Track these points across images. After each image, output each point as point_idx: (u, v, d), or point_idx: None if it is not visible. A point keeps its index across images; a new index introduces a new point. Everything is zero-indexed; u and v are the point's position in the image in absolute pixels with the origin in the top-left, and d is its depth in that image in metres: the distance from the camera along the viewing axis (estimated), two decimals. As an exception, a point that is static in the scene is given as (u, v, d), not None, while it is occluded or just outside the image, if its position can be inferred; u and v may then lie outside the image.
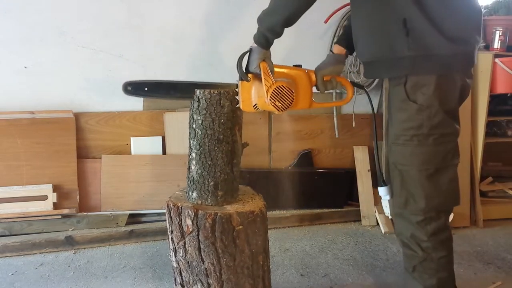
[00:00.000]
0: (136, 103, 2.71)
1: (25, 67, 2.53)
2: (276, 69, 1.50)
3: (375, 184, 2.90)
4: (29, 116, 2.49)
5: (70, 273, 2.12)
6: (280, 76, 1.50)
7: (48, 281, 2.04)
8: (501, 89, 2.64)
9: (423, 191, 1.45)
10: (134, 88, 1.56)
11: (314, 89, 1.59)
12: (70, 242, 2.36)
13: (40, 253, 2.30)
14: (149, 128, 2.71)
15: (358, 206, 2.82)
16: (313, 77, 1.56)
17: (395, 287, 2.01)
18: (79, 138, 2.59)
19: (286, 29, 1.44)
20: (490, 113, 2.68)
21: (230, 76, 2.70)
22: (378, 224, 2.74)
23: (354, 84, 1.64)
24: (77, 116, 2.59)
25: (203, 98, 1.54)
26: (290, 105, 1.46)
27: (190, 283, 1.60)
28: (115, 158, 2.63)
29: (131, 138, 2.68)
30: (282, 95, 1.44)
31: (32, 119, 2.49)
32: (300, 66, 1.56)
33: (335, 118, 2.91)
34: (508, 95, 2.76)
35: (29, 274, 2.10)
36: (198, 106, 1.55)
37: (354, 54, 2.88)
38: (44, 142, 2.49)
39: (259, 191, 1.81)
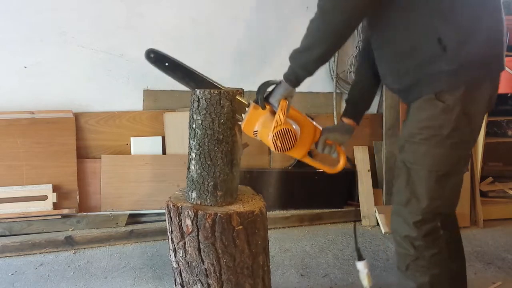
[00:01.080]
0: (136, 103, 2.72)
1: (25, 67, 2.53)
2: (290, 111, 1.51)
3: (375, 184, 2.92)
4: (29, 116, 2.49)
5: (70, 273, 2.12)
6: (292, 119, 1.52)
7: (48, 281, 2.04)
8: (501, 89, 2.58)
9: (428, 192, 1.44)
10: (156, 57, 1.56)
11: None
12: (70, 242, 2.36)
13: (40, 253, 2.30)
14: (149, 128, 2.71)
15: (358, 206, 2.82)
16: (318, 135, 1.58)
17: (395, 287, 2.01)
18: (79, 138, 2.59)
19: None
20: (490, 113, 2.67)
21: (230, 76, 2.73)
22: (378, 224, 2.74)
23: (348, 158, 1.66)
24: (77, 116, 2.59)
25: (203, 98, 1.53)
26: (287, 150, 1.49)
27: (190, 283, 1.60)
28: (115, 158, 2.63)
29: (131, 138, 2.68)
30: (286, 137, 1.47)
31: (32, 119, 2.49)
32: (312, 119, 1.59)
33: (335, 118, 2.91)
34: (509, 95, 2.76)
35: (29, 274, 2.10)
36: (198, 106, 1.55)
37: (354, 53, 2.88)
38: (44, 142, 2.49)
39: (259, 191, 1.81)
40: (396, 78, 1.47)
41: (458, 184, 1.48)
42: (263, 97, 1.50)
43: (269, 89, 1.51)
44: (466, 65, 1.33)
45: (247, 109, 1.55)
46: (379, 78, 1.64)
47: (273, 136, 1.46)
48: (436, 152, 1.40)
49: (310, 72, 1.43)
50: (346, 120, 1.68)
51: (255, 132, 1.54)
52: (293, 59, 1.43)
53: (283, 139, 1.47)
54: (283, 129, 1.46)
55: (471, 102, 1.37)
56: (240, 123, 1.55)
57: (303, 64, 1.41)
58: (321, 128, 1.60)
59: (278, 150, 1.49)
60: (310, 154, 1.62)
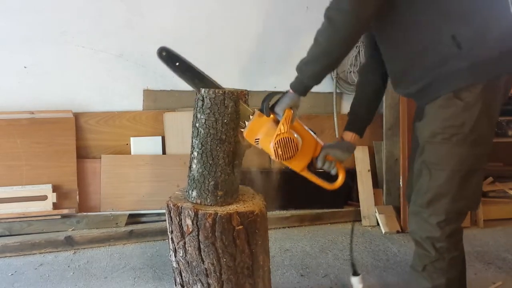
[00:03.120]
0: (136, 103, 2.72)
1: (25, 67, 2.53)
2: (295, 123, 1.53)
3: (375, 184, 2.91)
4: (28, 116, 2.49)
5: (69, 273, 2.12)
6: (295, 131, 1.52)
7: (47, 281, 2.04)
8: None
9: (452, 192, 1.43)
10: (168, 56, 1.56)
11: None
12: (69, 242, 2.35)
13: (40, 253, 2.30)
14: (149, 128, 2.71)
15: (358, 206, 2.82)
16: (319, 150, 1.58)
17: (396, 287, 2.00)
18: (79, 138, 2.59)
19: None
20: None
21: (229, 76, 2.73)
22: (378, 224, 2.74)
23: (347, 178, 1.66)
24: (77, 116, 2.59)
25: (207, 97, 1.53)
26: (287, 159, 1.50)
27: (190, 283, 1.60)
28: (115, 158, 2.63)
29: (131, 138, 2.68)
30: (287, 147, 1.48)
31: (32, 119, 2.48)
32: (315, 133, 1.59)
33: (335, 118, 2.91)
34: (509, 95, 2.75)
35: (28, 274, 2.10)
36: (202, 105, 1.54)
37: (354, 53, 2.88)
38: (44, 142, 2.49)
39: (259, 191, 1.81)
40: (410, 81, 1.47)
41: (480, 181, 1.48)
42: (268, 105, 1.51)
43: (274, 99, 1.53)
44: (482, 61, 1.33)
45: (251, 117, 1.55)
46: (384, 89, 1.66)
47: (275, 144, 1.47)
48: (458, 151, 1.40)
49: (318, 82, 1.45)
50: (348, 134, 1.67)
51: (257, 140, 1.54)
52: (301, 71, 1.45)
53: (284, 148, 1.48)
54: (285, 137, 1.47)
55: (490, 98, 1.38)
56: (242, 130, 1.55)
57: (311, 74, 1.43)
58: (322, 144, 1.60)
59: (278, 159, 1.50)
60: (310, 169, 1.62)
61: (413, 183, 1.56)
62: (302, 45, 2.98)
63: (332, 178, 1.65)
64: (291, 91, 1.48)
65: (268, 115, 1.51)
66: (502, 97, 1.45)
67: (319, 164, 1.59)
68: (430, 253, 1.50)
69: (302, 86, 1.46)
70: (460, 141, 1.39)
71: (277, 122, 1.50)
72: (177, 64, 1.57)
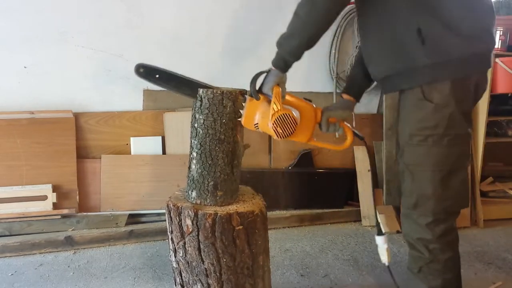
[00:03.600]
0: (136, 103, 2.72)
1: (25, 67, 2.53)
2: (287, 97, 1.51)
3: (375, 184, 2.91)
4: (28, 116, 2.49)
5: (69, 273, 2.12)
6: (289, 105, 1.51)
7: (47, 281, 2.04)
8: (501, 89, 2.64)
9: (435, 193, 1.44)
10: (146, 71, 1.56)
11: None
12: (69, 242, 2.35)
13: (40, 253, 2.30)
14: (148, 128, 2.71)
15: (358, 206, 2.82)
16: (319, 115, 1.57)
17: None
18: (79, 138, 2.59)
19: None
20: (490, 113, 2.68)
21: (229, 75, 2.73)
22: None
23: (355, 133, 1.63)
24: (77, 116, 2.59)
25: (206, 98, 1.53)
26: (290, 135, 1.48)
27: (190, 283, 1.60)
28: (115, 158, 2.63)
29: (131, 138, 2.68)
30: (286, 123, 1.46)
31: (32, 119, 2.48)
32: (310, 101, 1.57)
33: (335, 118, 2.91)
34: (509, 95, 2.76)
35: (28, 274, 2.10)
36: (201, 105, 1.54)
37: (354, 53, 2.87)
38: (44, 142, 2.49)
39: (259, 191, 1.81)
40: (378, 65, 1.48)
41: (464, 180, 1.48)
42: (255, 88, 1.49)
43: (261, 79, 1.50)
44: (447, 60, 1.33)
45: (243, 104, 1.54)
46: None
47: (273, 124, 1.45)
48: (435, 151, 1.41)
49: (298, 57, 1.43)
50: (345, 97, 1.67)
51: (256, 125, 1.53)
52: (281, 45, 1.43)
53: (283, 125, 1.46)
54: (281, 115, 1.45)
55: (460, 97, 1.38)
56: (240, 119, 1.54)
57: (291, 49, 1.41)
58: (321, 108, 1.58)
59: (280, 137, 1.48)
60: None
61: (401, 187, 1.56)
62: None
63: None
64: (273, 68, 1.47)
65: (258, 98, 1.50)
66: (474, 95, 1.44)
67: (323, 129, 1.58)
68: (423, 255, 1.50)
69: (282, 62, 1.44)
70: (436, 142, 1.40)
71: (269, 102, 1.48)
72: (157, 76, 1.56)
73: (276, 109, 1.44)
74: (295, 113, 1.49)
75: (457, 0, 1.33)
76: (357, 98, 1.68)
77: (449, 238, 1.50)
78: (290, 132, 1.47)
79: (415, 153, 1.45)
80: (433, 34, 1.31)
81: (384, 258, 1.71)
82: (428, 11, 1.31)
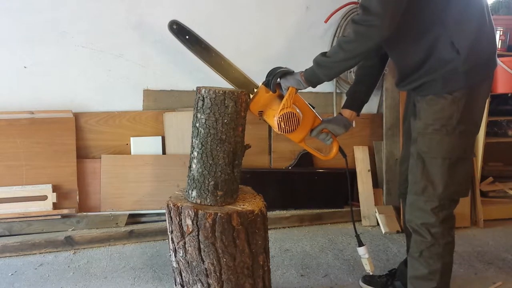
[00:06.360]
0: (136, 103, 2.71)
1: (25, 67, 2.53)
2: (297, 98, 1.62)
3: (376, 184, 2.91)
4: (28, 116, 2.49)
5: (69, 273, 2.12)
6: (297, 105, 1.63)
7: (47, 281, 2.04)
8: (501, 89, 2.64)
9: (443, 179, 1.56)
10: (178, 29, 1.69)
11: None
12: (69, 242, 2.35)
13: (40, 253, 2.30)
14: (148, 128, 2.71)
15: (358, 206, 2.82)
16: (317, 123, 1.71)
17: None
18: (79, 138, 2.59)
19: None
20: (490, 113, 2.68)
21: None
22: (378, 224, 2.73)
23: (340, 149, 1.79)
24: (77, 116, 2.59)
25: (208, 97, 1.53)
26: (289, 132, 1.62)
27: (190, 283, 1.60)
28: (115, 158, 2.63)
29: (131, 138, 2.67)
30: (290, 120, 1.59)
31: (32, 119, 2.48)
32: (313, 107, 1.70)
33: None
34: (509, 95, 2.76)
35: (28, 274, 2.09)
36: (203, 105, 1.55)
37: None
38: (44, 142, 2.49)
39: (259, 191, 1.81)
40: (414, 80, 1.58)
41: (468, 170, 1.63)
42: (276, 81, 1.60)
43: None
44: (474, 66, 1.50)
45: (255, 89, 1.64)
46: (382, 70, 1.81)
47: (279, 117, 1.58)
48: (448, 140, 1.54)
49: (329, 80, 1.63)
50: (347, 111, 1.79)
51: (260, 113, 1.64)
52: (319, 66, 1.55)
53: (287, 122, 1.59)
54: (289, 112, 1.58)
55: (475, 95, 1.54)
56: (248, 101, 1.62)
57: (328, 73, 1.55)
58: (321, 119, 1.71)
59: (281, 131, 1.61)
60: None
61: (408, 176, 1.67)
62: (302, 45, 3.00)
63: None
64: (302, 78, 1.57)
65: (275, 91, 1.61)
66: (487, 94, 1.62)
67: (313, 134, 1.72)
68: (426, 238, 1.60)
69: (315, 79, 1.56)
70: (450, 131, 1.53)
71: (280, 96, 1.61)
72: (187, 37, 1.69)
73: (286, 106, 1.57)
74: (299, 115, 1.61)
75: (476, 17, 1.50)
76: (358, 112, 1.81)
77: (450, 224, 1.62)
78: (290, 130, 1.61)
79: (428, 141, 1.56)
80: (464, 45, 1.47)
81: (367, 267, 1.85)
82: (457, 27, 1.48)
